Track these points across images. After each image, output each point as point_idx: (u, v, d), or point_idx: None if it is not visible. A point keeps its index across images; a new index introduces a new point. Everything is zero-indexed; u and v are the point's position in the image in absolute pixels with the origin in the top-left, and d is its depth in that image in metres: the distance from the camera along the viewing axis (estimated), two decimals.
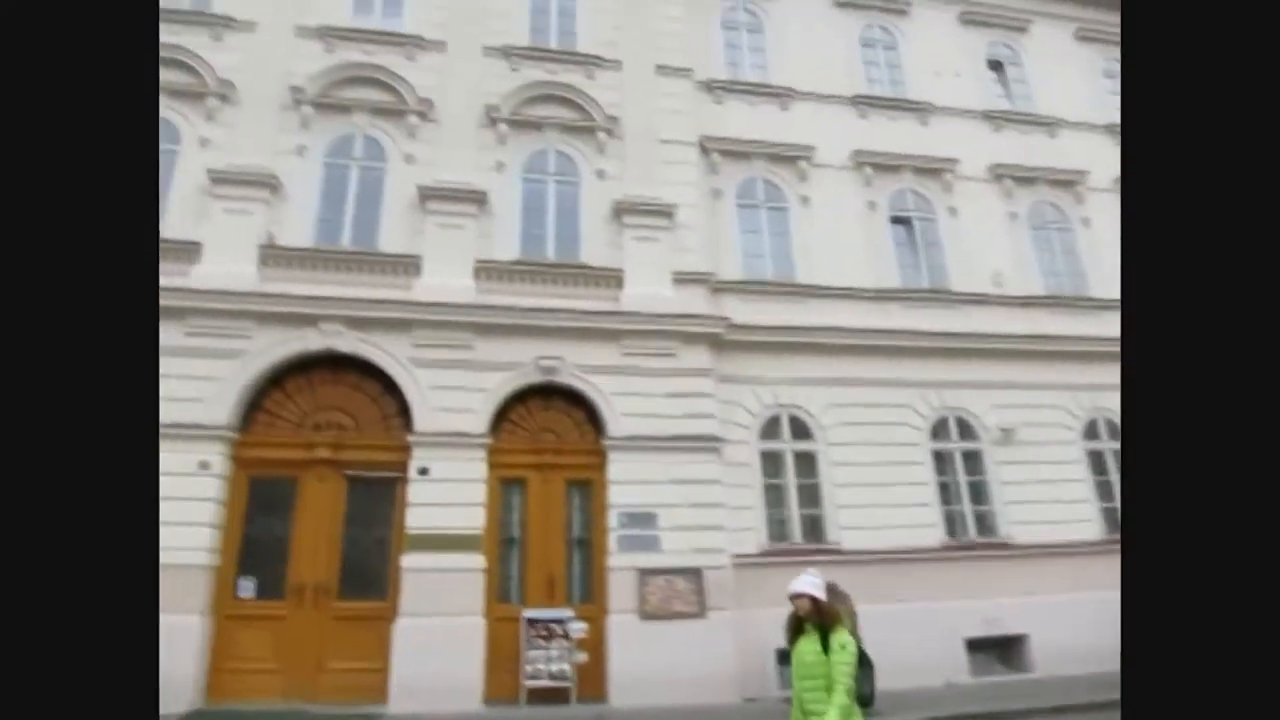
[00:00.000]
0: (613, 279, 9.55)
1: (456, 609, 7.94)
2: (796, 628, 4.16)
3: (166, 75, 9.74)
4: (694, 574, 8.48)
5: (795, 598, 4.14)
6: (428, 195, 9.49)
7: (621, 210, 9.87)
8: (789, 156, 11.05)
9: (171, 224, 9.06)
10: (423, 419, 8.57)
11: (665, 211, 9.92)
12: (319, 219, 9.40)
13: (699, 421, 9.05)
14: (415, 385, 8.68)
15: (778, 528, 9.26)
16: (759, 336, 9.73)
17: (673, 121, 10.60)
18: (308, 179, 9.54)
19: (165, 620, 7.39)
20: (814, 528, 9.33)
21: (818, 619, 4.03)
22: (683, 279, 9.66)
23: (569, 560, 8.69)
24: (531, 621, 8.08)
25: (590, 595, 8.52)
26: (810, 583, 4.15)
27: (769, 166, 10.99)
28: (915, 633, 8.52)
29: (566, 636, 8.05)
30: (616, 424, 8.89)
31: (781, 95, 11.49)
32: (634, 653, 8.09)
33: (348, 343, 8.73)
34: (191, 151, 9.48)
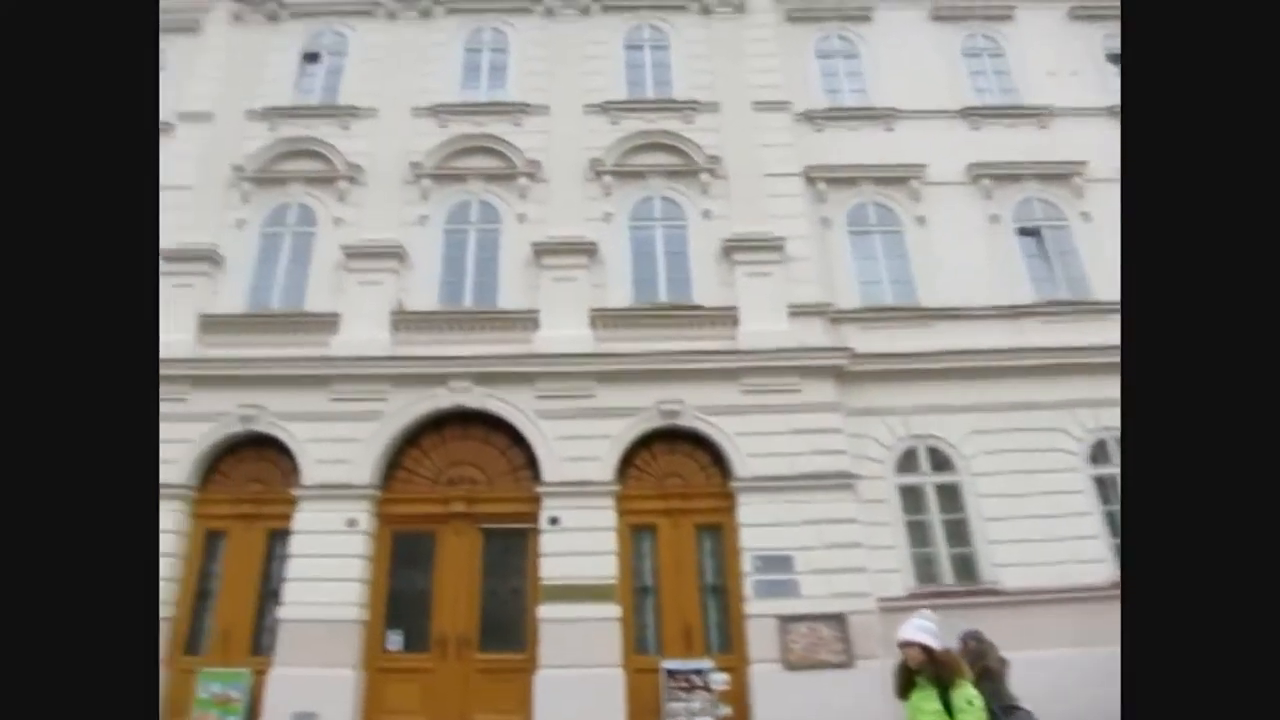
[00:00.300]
0: (727, 318, 9.45)
1: (595, 660, 7.87)
2: (908, 680, 3.71)
3: (303, 164, 10.73)
4: (838, 620, 8.04)
5: (905, 646, 3.69)
6: (541, 251, 9.81)
7: (730, 248, 9.82)
8: (899, 177, 10.69)
9: (312, 298, 9.81)
10: (550, 469, 8.69)
11: (775, 245, 9.78)
12: (442, 282, 9.90)
13: (829, 458, 8.69)
14: (541, 436, 8.84)
15: (925, 568, 8.66)
16: (885, 365, 9.30)
17: (775, 155, 10.54)
18: (430, 246, 10.10)
19: (322, 674, 7.83)
20: (965, 567, 8.65)
21: (933, 671, 3.57)
22: (799, 312, 9.44)
23: (704, 608, 8.45)
24: (671, 673, 7.86)
25: (729, 644, 8.23)
26: (921, 628, 3.70)
27: (879, 189, 10.66)
28: (1093, 682, 7.65)
29: (708, 688, 7.78)
30: (743, 465, 8.67)
31: (885, 116, 11.20)
32: (779, 705, 7.70)
33: (475, 398, 9.03)
34: (327, 231, 10.26)
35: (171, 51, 12.14)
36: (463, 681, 8.12)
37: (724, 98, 10.99)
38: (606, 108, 10.95)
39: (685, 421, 8.91)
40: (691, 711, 7.73)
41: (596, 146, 10.60)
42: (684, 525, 8.72)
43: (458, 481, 8.99)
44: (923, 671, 3.61)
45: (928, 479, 9.02)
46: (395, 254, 9.88)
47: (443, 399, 9.04)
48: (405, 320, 9.54)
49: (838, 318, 9.68)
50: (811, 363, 9.08)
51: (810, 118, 11.18)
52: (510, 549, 8.65)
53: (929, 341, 9.56)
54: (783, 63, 11.41)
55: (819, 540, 8.30)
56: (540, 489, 8.63)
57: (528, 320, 9.48)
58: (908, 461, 9.11)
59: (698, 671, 7.85)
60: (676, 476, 8.98)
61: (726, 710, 7.69)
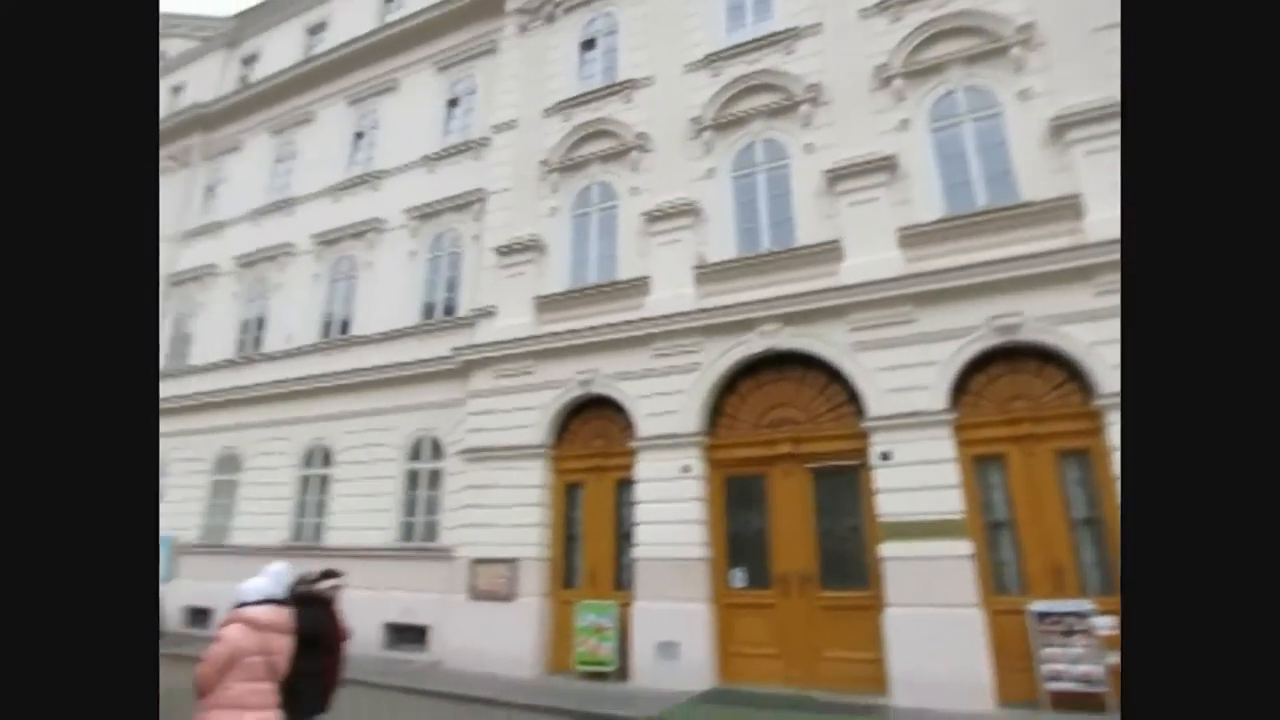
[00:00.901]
0: (1068, 210, 7.99)
1: (948, 600, 7.37)
2: None
3: (597, 146, 11.51)
4: None
5: None
6: (835, 177, 9.28)
7: (1061, 127, 8.26)
8: None
9: (623, 266, 10.55)
10: (874, 403, 8.27)
11: None
12: (738, 229, 9.93)
13: None
14: (860, 370, 8.45)
15: None
16: None
17: (1106, 4, 8.59)
18: (721, 196, 10.18)
19: (677, 608, 8.47)
20: None
21: None
22: None
23: (1076, 544, 7.40)
24: (1042, 615, 7.05)
25: (1111, 585, 7.11)
26: None
27: None
28: None
29: (1090, 633, 6.83)
30: (1110, 379, 7.31)
31: None
32: None
33: (785, 339, 8.94)
34: (626, 202, 10.92)
35: (479, 76, 13.94)
36: (807, 617, 8.22)
37: None
38: (885, 6, 9.91)
39: (1027, 336, 7.80)
40: (1071, 658, 6.87)
41: (880, 51, 9.66)
42: (1039, 453, 7.69)
43: (779, 424, 9.02)
44: None
45: None
46: (690, 211, 10.16)
47: (754, 344, 9.11)
48: (708, 273, 9.78)
49: None
50: None
51: None
52: (841, 487, 8.45)
53: None
54: None
55: None
56: (866, 424, 8.26)
57: (830, 253, 9.07)
58: None
59: (1077, 614, 6.92)
60: (1021, 399, 7.93)
61: (1116, 658, 6.68)
